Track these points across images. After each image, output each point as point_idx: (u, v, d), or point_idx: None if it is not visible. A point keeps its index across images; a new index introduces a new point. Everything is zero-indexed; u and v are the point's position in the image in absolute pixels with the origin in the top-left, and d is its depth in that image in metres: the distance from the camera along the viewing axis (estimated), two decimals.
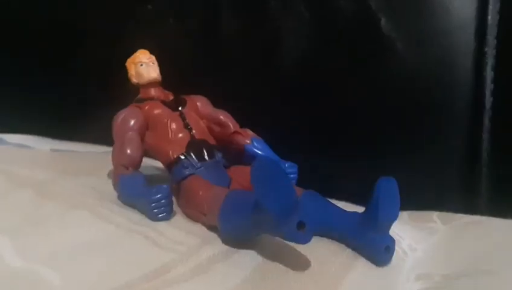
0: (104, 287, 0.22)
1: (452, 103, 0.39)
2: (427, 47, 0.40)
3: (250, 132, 0.37)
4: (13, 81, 0.57)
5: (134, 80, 0.36)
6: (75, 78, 0.53)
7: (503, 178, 0.38)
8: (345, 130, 0.41)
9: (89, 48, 0.53)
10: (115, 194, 0.33)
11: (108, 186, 0.33)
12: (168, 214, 0.30)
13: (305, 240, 0.22)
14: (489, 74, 0.39)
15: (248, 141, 0.36)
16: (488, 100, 0.39)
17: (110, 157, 0.34)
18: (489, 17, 0.39)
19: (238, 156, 0.36)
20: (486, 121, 0.39)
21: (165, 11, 0.51)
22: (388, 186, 0.25)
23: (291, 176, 0.34)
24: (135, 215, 0.30)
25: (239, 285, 0.22)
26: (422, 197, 0.36)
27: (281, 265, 0.24)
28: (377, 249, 0.25)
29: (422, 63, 0.40)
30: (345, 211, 0.27)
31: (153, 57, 0.37)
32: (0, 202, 0.31)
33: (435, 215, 0.33)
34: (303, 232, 0.22)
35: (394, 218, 0.26)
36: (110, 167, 0.34)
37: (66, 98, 0.55)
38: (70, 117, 0.54)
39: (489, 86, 0.39)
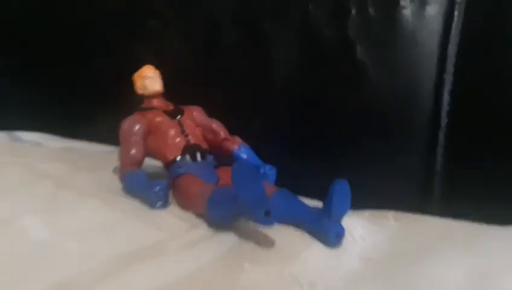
0: (110, 254, 0.28)
1: (413, 120, 0.46)
2: (395, 72, 0.47)
3: (238, 139, 0.43)
4: (27, 81, 0.63)
5: (139, 91, 0.43)
6: (86, 86, 0.59)
7: (454, 185, 0.44)
8: (319, 139, 0.48)
9: (98, 61, 0.59)
10: (120, 186, 0.39)
11: (115, 180, 0.40)
12: (165, 203, 0.36)
13: (270, 224, 0.29)
14: (446, 97, 0.45)
15: (236, 147, 0.42)
16: (444, 120, 0.45)
17: (116, 155, 0.41)
18: (450, 49, 0.46)
19: (228, 159, 0.42)
20: (441, 138, 0.45)
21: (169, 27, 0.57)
22: (340, 187, 0.32)
23: (271, 176, 0.40)
24: (137, 204, 0.36)
25: (220, 257, 0.29)
26: (385, 200, 0.43)
27: (253, 243, 0.30)
28: (330, 235, 0.31)
29: (390, 86, 0.46)
30: (307, 205, 0.34)
31: (157, 72, 0.43)
32: (26, 190, 0.37)
33: (390, 214, 0.40)
34: (269, 218, 0.28)
35: (345, 212, 0.32)
36: (117, 164, 0.41)
37: (77, 102, 0.61)
38: (81, 118, 0.59)
39: (445, 108, 0.45)
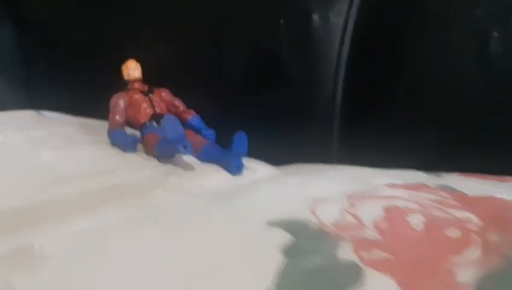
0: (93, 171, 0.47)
1: (317, 92, 0.63)
2: (307, 60, 0.64)
3: (192, 112, 0.62)
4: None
5: (125, 77, 0.62)
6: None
7: (350, 141, 0.61)
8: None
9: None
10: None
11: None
12: (133, 150, 0.55)
13: (188, 153, 0.47)
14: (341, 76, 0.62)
15: (190, 117, 0.61)
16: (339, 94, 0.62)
17: None
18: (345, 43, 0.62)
19: (184, 125, 0.61)
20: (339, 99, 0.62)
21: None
22: (240, 135, 0.50)
23: (209, 136, 0.58)
24: (117, 150, 0.55)
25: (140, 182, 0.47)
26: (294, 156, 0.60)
27: (182, 169, 0.49)
28: (231, 166, 0.49)
29: (303, 67, 0.63)
30: (221, 148, 0.52)
31: (138, 64, 0.62)
32: (67, 153, 0.56)
33: (294, 166, 0.57)
34: (186, 150, 0.47)
35: (243, 152, 0.50)
36: None
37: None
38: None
39: (340, 89, 0.62)
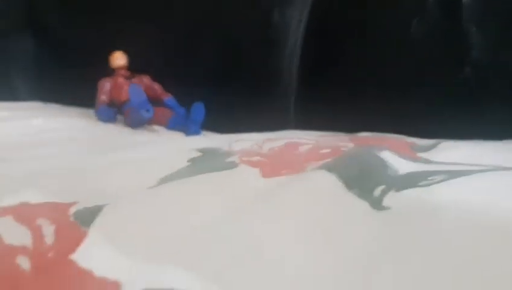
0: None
1: (277, 76, 0.73)
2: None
3: (169, 94, 0.72)
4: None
5: (111, 65, 0.73)
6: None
7: (306, 107, 0.70)
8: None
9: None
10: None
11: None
12: (114, 121, 0.66)
13: (150, 115, 0.58)
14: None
15: (166, 98, 0.72)
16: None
17: None
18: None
19: (161, 104, 0.71)
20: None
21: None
22: (198, 106, 0.60)
23: (180, 113, 0.69)
24: (100, 123, 0.66)
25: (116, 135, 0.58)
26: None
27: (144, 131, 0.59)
28: (189, 130, 0.60)
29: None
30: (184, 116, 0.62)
31: (124, 55, 0.74)
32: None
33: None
34: (148, 113, 0.57)
35: (200, 118, 0.60)
36: None
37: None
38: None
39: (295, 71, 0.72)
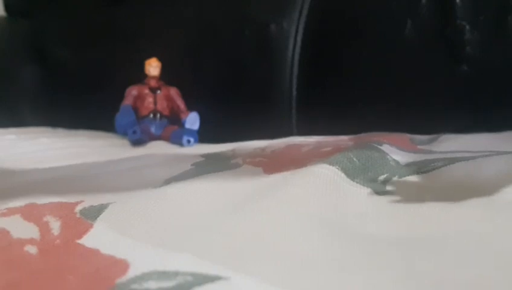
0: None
1: (276, 87, 0.73)
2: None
3: (187, 113, 0.70)
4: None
5: (146, 72, 0.72)
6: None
7: (307, 115, 0.71)
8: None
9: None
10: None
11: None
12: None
13: (136, 137, 0.59)
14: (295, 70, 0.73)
15: (184, 117, 0.69)
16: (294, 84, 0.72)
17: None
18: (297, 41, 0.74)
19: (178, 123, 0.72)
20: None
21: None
22: (193, 116, 0.61)
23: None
24: (108, 139, 0.67)
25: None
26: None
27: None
28: (183, 140, 0.60)
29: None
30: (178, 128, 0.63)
31: (159, 64, 0.73)
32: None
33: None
34: (136, 134, 0.59)
35: (195, 127, 0.61)
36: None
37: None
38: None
39: (294, 81, 0.73)
